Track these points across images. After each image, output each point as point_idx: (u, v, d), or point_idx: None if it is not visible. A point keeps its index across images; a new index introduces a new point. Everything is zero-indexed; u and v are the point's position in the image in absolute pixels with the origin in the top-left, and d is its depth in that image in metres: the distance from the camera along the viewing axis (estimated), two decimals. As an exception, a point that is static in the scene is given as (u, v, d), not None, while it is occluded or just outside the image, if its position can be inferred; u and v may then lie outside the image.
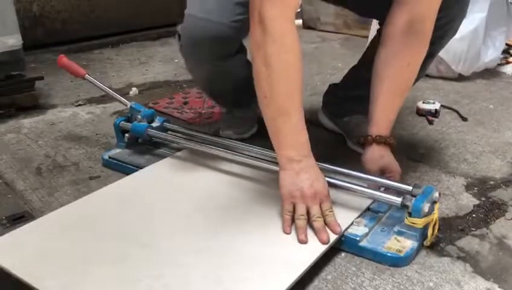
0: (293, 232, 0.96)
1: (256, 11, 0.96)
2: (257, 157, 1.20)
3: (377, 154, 1.13)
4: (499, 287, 0.89)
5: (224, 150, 1.25)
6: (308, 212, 0.96)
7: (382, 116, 1.15)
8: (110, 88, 1.50)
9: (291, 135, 0.99)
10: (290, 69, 0.97)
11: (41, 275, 0.86)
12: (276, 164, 1.14)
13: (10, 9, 1.76)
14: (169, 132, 1.38)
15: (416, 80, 1.25)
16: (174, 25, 1.45)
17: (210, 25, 1.19)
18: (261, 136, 1.54)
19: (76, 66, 1.49)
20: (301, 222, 0.95)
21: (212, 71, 1.33)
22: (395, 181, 1.06)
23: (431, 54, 1.23)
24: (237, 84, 1.37)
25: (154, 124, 1.37)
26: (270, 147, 1.22)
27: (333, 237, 0.95)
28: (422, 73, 1.28)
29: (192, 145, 1.30)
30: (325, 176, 1.09)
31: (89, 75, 1.48)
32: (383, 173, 1.12)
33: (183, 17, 1.25)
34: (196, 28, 1.21)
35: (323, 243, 0.92)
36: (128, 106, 1.40)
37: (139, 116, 1.36)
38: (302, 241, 0.93)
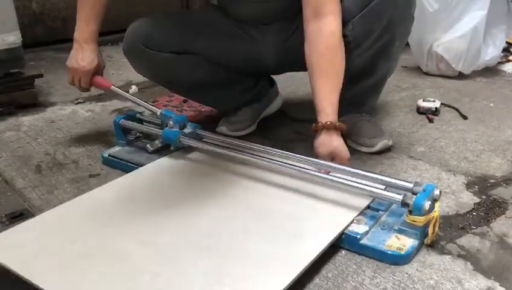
0: (292, 231, 0.96)
1: None
2: (257, 155, 1.19)
3: (327, 140, 1.19)
4: (500, 285, 0.88)
5: (225, 149, 1.24)
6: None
7: (325, 102, 1.20)
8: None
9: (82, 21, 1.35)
10: None
11: (41, 272, 0.86)
12: (277, 161, 1.14)
13: (10, 7, 1.76)
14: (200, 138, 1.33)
15: (386, 75, 1.43)
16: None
17: (144, 22, 1.44)
18: (258, 135, 1.54)
19: (102, 79, 1.45)
20: None
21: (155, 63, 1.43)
22: (395, 178, 1.06)
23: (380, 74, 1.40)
24: (198, 84, 1.47)
25: (186, 130, 1.31)
26: (269, 145, 1.23)
27: (332, 235, 0.95)
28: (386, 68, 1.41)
29: (207, 147, 1.28)
30: (328, 173, 1.10)
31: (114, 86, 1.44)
32: (332, 158, 1.18)
33: None
34: (133, 25, 1.45)
35: None
36: (159, 113, 1.34)
37: (171, 122, 1.30)
38: None
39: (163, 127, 1.33)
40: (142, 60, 1.43)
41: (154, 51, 1.39)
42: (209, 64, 1.43)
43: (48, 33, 2.72)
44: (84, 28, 1.36)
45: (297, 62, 1.30)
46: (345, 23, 1.23)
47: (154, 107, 1.38)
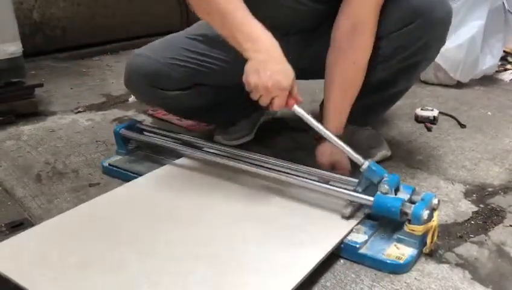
0: (291, 240, 0.97)
1: None
2: (256, 164, 1.20)
3: (329, 150, 1.20)
4: (498, 294, 0.89)
5: (223, 157, 1.25)
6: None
7: (334, 115, 1.22)
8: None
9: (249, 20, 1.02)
10: None
11: (40, 282, 0.86)
12: (276, 171, 1.15)
13: (10, 17, 1.77)
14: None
15: (401, 92, 1.38)
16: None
17: (147, 60, 1.34)
18: (257, 144, 1.54)
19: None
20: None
21: (157, 101, 1.41)
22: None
23: (408, 78, 1.33)
24: (201, 111, 1.44)
25: (401, 195, 1.00)
26: (268, 154, 1.23)
27: (331, 244, 0.95)
28: (407, 84, 1.37)
29: (208, 157, 1.27)
30: (328, 183, 1.10)
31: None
32: (333, 167, 1.19)
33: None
34: (136, 62, 1.36)
35: None
36: (365, 167, 1.03)
37: (386, 187, 0.99)
38: None
39: (364, 183, 1.05)
40: (148, 97, 1.42)
41: (160, 90, 1.34)
42: (214, 89, 1.38)
43: (47, 42, 2.74)
44: (259, 28, 1.02)
45: (308, 74, 1.28)
46: (378, 36, 1.18)
47: (357, 155, 1.06)
